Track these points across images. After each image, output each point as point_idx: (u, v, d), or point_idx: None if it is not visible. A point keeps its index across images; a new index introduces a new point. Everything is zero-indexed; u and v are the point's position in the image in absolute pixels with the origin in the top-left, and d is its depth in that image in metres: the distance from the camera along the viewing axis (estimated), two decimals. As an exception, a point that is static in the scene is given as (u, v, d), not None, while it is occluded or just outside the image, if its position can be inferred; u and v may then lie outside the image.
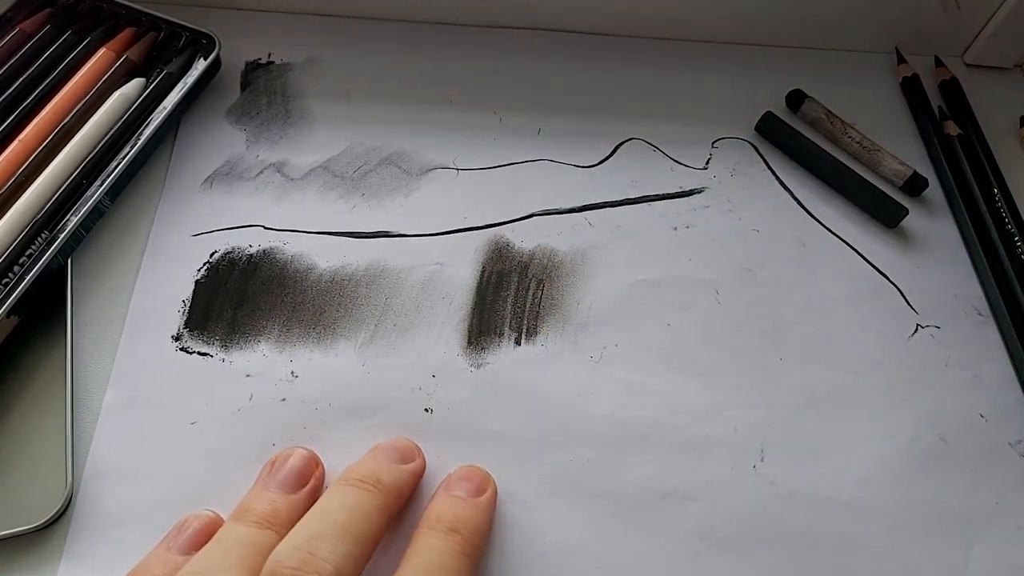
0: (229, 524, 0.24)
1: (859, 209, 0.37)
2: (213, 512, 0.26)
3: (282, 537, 0.23)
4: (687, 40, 0.42)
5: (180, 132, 0.36)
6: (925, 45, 0.42)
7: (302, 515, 0.24)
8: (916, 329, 0.33)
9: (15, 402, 0.29)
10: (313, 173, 0.35)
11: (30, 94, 0.34)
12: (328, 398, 0.30)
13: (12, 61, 0.34)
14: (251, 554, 0.23)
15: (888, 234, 0.36)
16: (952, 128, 0.39)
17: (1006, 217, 0.36)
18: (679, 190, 0.36)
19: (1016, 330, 0.33)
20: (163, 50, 0.37)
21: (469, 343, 0.31)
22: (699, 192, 0.36)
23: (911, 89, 0.41)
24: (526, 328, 0.32)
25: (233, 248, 0.33)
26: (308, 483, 0.26)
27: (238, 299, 0.31)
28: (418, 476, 0.27)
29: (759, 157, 0.38)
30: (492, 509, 0.27)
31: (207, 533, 0.25)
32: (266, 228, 0.33)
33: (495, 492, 0.28)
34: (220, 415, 0.29)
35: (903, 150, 0.39)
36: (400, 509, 0.26)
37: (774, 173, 0.38)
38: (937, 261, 0.36)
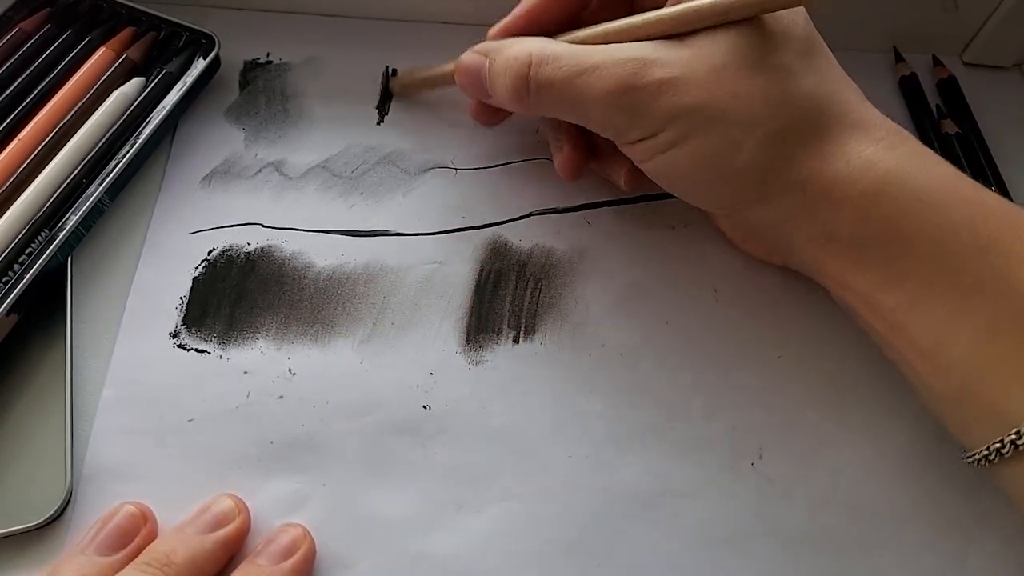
0: None
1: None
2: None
3: None
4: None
5: (179, 131, 0.36)
6: (923, 44, 0.42)
7: None
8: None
9: (14, 400, 0.29)
10: (311, 172, 0.35)
11: (29, 93, 0.34)
12: (326, 395, 0.30)
13: (11, 61, 0.34)
14: None
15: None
16: (950, 127, 0.39)
17: (1004, 215, 0.36)
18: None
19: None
20: (163, 50, 0.37)
21: (467, 341, 0.31)
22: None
23: (909, 88, 0.41)
24: (524, 326, 0.32)
25: (231, 246, 0.33)
26: (132, 542, 0.25)
27: (236, 296, 0.32)
28: (232, 541, 0.26)
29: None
30: (301, 573, 0.26)
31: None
32: (264, 226, 0.33)
33: (308, 552, 0.26)
34: (218, 412, 0.29)
35: (901, 149, 0.39)
36: None
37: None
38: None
